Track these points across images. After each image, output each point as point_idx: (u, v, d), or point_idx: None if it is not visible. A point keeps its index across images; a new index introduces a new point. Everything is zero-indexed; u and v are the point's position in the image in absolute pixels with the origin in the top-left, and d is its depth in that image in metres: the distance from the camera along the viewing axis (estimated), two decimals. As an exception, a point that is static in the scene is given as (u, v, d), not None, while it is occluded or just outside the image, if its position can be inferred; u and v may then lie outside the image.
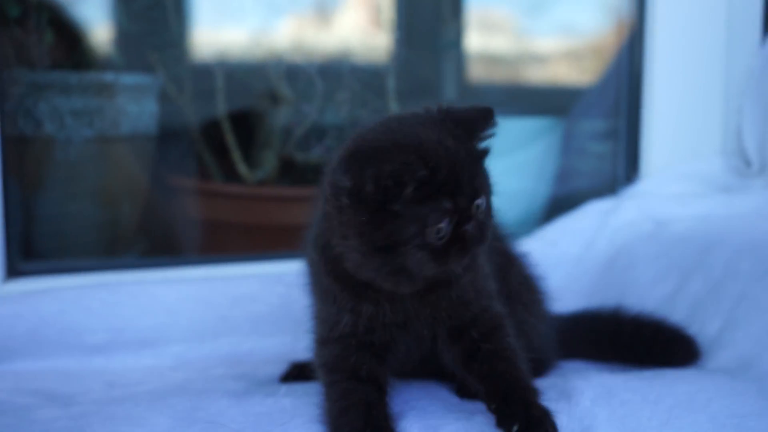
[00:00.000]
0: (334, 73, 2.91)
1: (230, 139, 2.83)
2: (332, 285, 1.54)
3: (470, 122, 1.46)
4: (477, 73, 3.64)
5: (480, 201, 1.44)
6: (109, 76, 2.65)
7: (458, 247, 1.42)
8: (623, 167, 2.82)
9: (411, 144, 1.40)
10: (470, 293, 1.56)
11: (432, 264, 1.41)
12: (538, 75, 3.70)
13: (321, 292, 1.61)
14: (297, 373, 1.91)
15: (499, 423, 1.48)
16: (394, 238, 1.38)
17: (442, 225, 1.39)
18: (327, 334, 1.59)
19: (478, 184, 1.44)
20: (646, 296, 2.21)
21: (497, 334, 1.57)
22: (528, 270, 1.86)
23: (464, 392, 1.68)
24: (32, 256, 2.48)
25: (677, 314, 2.07)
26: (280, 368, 1.97)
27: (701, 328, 1.99)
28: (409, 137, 1.41)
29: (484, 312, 1.57)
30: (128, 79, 2.69)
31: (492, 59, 3.66)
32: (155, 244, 2.86)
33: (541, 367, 1.82)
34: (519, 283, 1.80)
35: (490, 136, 1.48)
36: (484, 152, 1.49)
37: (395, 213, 1.38)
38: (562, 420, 1.53)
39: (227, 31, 3.19)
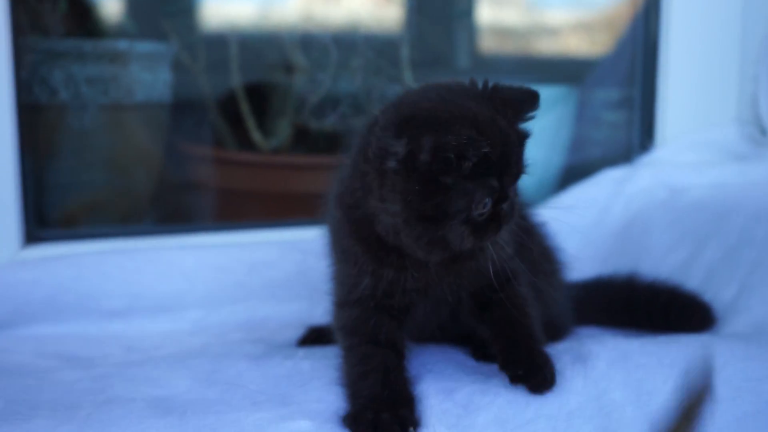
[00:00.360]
0: (348, 43, 2.90)
1: (245, 107, 2.82)
2: (354, 246, 1.53)
3: (518, 103, 1.46)
4: (489, 44, 3.63)
5: (517, 183, 1.46)
6: (123, 44, 2.65)
7: (495, 224, 1.44)
8: (638, 136, 2.80)
9: (469, 118, 1.38)
10: (488, 261, 1.55)
11: (471, 239, 1.43)
12: (550, 47, 3.68)
13: (342, 253, 1.59)
14: (315, 337, 1.92)
15: (503, 366, 1.52)
16: (441, 210, 1.38)
17: (486, 202, 1.41)
18: (346, 296, 1.59)
19: (522, 166, 1.45)
20: (661, 263, 2.21)
21: (509, 283, 1.59)
22: (547, 240, 1.87)
23: (480, 355, 1.69)
24: (47, 223, 2.49)
25: (692, 281, 2.08)
26: (297, 333, 1.98)
27: (716, 294, 1.99)
28: (465, 110, 1.40)
29: (498, 272, 1.57)
30: (142, 47, 2.69)
31: (503, 31, 3.64)
32: (169, 212, 2.87)
33: (559, 334, 1.83)
34: (538, 253, 1.80)
35: (532, 118, 1.48)
36: (527, 134, 1.48)
37: (446, 185, 1.37)
38: (578, 383, 1.55)
39: (236, 3, 3.18)
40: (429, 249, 1.44)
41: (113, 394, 1.56)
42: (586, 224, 2.44)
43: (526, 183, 1.71)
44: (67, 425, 1.40)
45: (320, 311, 2.12)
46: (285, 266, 2.26)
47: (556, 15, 3.64)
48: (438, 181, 1.37)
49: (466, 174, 1.36)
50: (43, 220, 2.47)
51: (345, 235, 1.54)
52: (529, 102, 1.47)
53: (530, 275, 1.66)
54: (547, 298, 1.79)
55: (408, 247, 1.45)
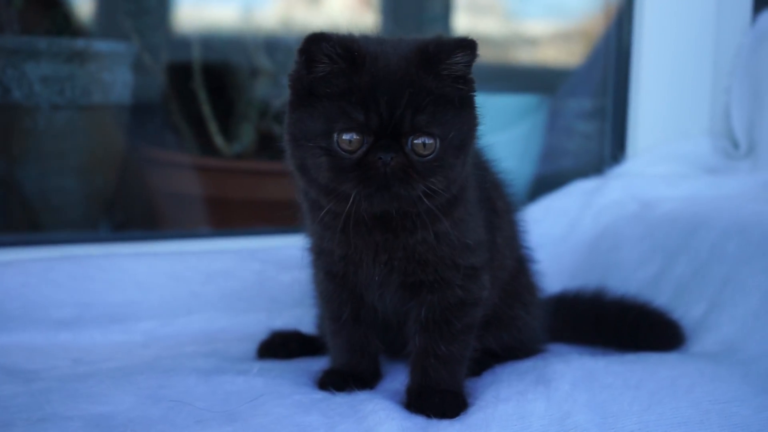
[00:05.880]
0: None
1: (207, 110, 2.74)
2: (302, 204, 1.53)
3: (442, 52, 1.37)
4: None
5: (420, 140, 1.34)
6: (80, 43, 2.55)
7: (360, 173, 1.34)
8: (610, 147, 2.77)
9: (350, 38, 1.38)
10: (435, 251, 1.46)
11: (327, 174, 1.35)
12: (528, 56, 3.66)
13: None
14: (279, 342, 1.83)
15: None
16: (301, 127, 1.36)
17: (349, 137, 1.33)
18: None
19: (417, 117, 1.33)
20: (630, 278, 2.16)
21: (460, 311, 1.52)
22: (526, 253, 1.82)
23: None
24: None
25: (662, 297, 2.03)
26: (254, 346, 1.89)
27: (686, 311, 1.95)
28: (353, 36, 1.41)
29: (451, 280, 1.50)
30: (100, 46, 2.60)
31: (481, 41, 3.61)
32: (129, 217, 2.78)
33: (528, 355, 1.77)
34: (525, 283, 1.77)
35: (461, 64, 1.38)
36: (459, 90, 1.39)
37: (312, 103, 1.35)
38: (540, 405, 1.49)
39: (214, 9, 3.12)
40: (305, 179, 1.40)
41: (51, 411, 1.46)
42: (555, 237, 2.39)
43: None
44: (-4, 445, 1.31)
45: (279, 323, 2.06)
46: (243, 276, 2.18)
47: (535, 25, 3.62)
48: (309, 95, 1.35)
49: (326, 93, 1.33)
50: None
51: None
52: (452, 48, 1.37)
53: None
54: (520, 324, 1.74)
55: (294, 175, 1.43)
